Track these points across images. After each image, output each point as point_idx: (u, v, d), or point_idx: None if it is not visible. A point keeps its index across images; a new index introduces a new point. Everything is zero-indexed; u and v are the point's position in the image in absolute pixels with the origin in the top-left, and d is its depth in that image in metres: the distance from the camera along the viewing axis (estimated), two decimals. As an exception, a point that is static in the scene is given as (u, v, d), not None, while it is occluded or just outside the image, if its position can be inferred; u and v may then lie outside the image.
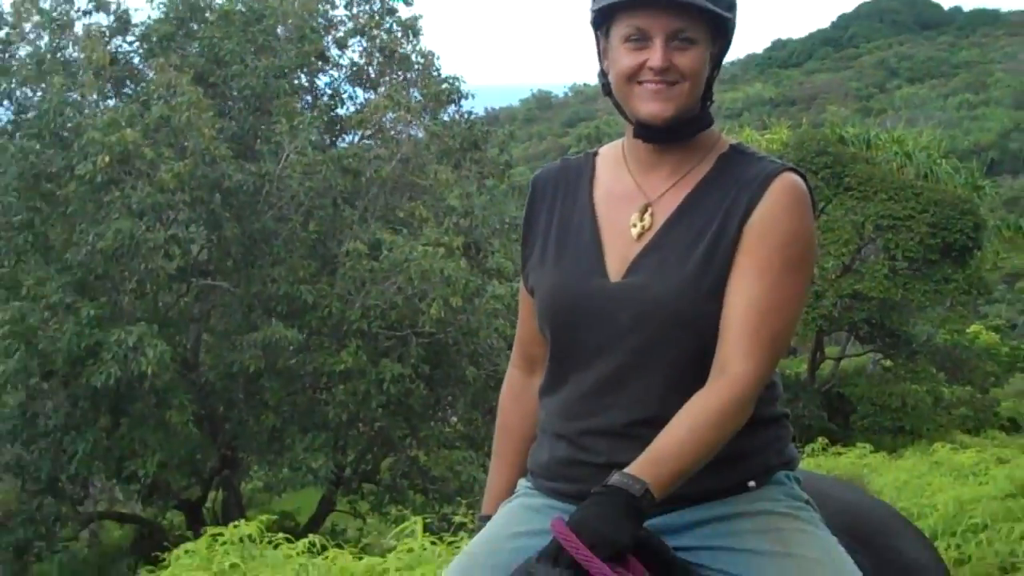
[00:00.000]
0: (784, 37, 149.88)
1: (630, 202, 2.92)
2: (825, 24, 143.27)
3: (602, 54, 2.95)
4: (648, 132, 2.87)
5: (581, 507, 2.54)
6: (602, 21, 2.89)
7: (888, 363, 35.36)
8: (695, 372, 2.75)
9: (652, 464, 2.57)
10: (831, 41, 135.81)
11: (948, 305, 35.70)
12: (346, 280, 20.92)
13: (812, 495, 2.98)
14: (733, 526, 2.81)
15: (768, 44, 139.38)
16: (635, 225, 2.88)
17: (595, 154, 3.09)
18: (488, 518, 3.06)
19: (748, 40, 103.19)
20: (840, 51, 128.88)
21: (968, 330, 40.06)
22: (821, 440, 18.73)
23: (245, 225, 21.16)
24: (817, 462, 15.87)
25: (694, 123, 2.90)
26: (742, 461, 2.85)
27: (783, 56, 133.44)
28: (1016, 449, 18.97)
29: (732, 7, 2.85)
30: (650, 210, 2.88)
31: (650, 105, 2.81)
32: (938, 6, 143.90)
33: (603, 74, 2.96)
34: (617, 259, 2.87)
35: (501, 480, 3.20)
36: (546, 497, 2.96)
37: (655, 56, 2.77)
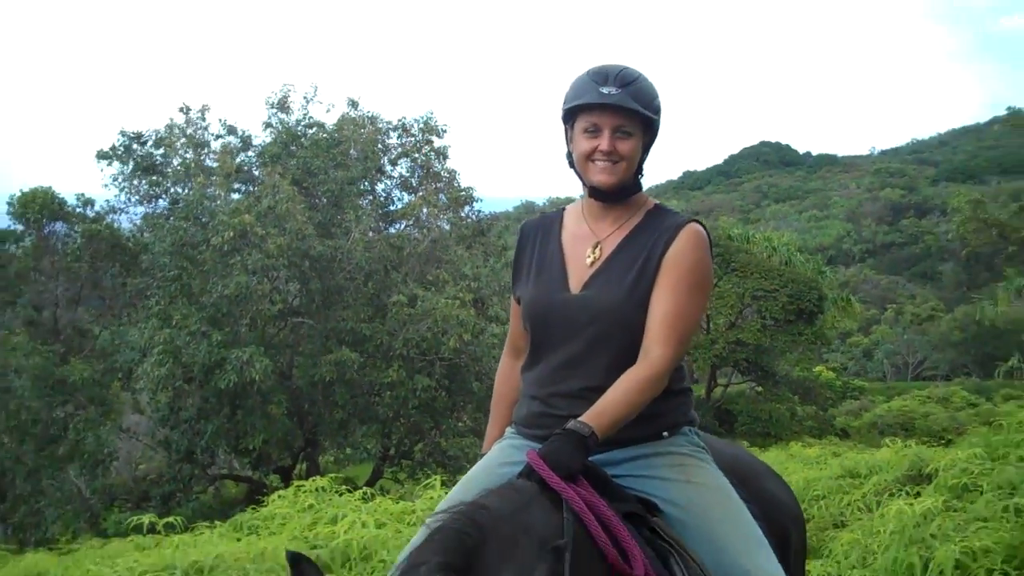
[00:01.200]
0: (691, 169, 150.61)
1: (586, 240, 3.05)
2: (720, 161, 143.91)
3: (568, 140, 3.07)
4: (598, 194, 3.04)
5: (547, 443, 2.66)
6: (569, 118, 3.02)
7: (760, 389, 35.37)
8: (630, 356, 2.84)
9: (597, 416, 2.68)
10: (723, 172, 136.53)
11: (801, 351, 35.83)
12: (392, 321, 21.01)
13: (707, 447, 3.07)
14: (651, 461, 2.91)
15: (680, 173, 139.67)
16: (589, 256, 3.00)
17: (563, 210, 3.20)
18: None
19: (666, 170, 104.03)
20: (729, 179, 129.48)
21: (815, 369, 40.15)
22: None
23: (324, 282, 21.27)
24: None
25: (629, 189, 3.03)
26: (659, 418, 2.94)
27: (691, 181, 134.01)
28: (845, 448, 18.97)
29: (658, 111, 2.98)
30: (600, 246, 3.01)
31: (600, 176, 2.97)
32: (796, 151, 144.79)
33: (569, 154, 3.08)
34: (576, 279, 2.99)
35: (494, 430, 3.26)
36: (524, 440, 3.03)
37: (604, 143, 2.94)
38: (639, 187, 3.07)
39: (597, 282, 2.94)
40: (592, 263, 2.98)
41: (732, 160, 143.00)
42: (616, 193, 2.99)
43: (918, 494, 8.57)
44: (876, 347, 62.43)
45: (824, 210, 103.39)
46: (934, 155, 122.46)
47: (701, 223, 2.98)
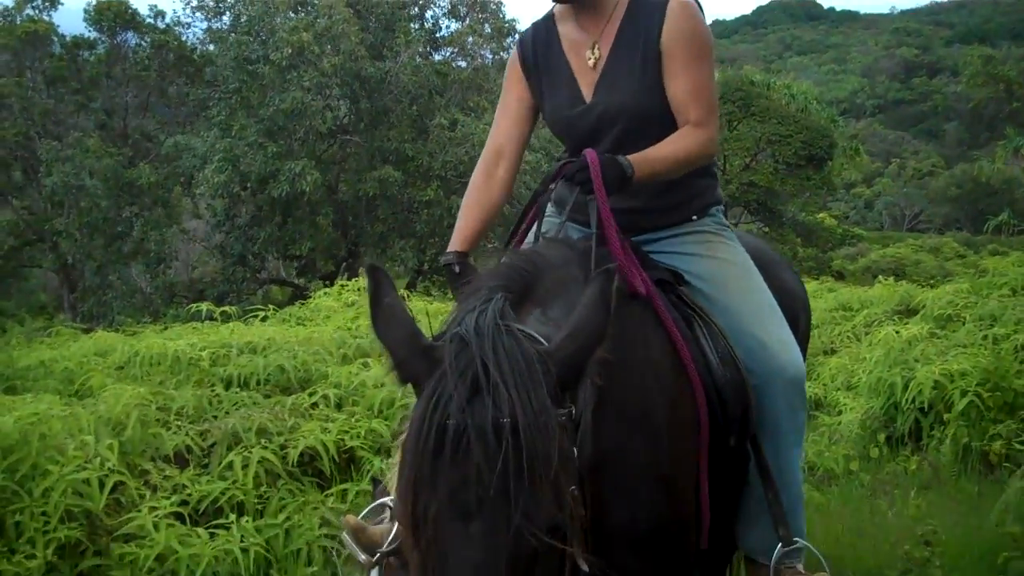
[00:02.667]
0: (720, 17, 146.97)
1: (583, 43, 2.73)
2: (748, 11, 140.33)
3: None
4: None
5: (601, 162, 2.44)
6: None
7: (767, 230, 35.19)
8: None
9: (642, 159, 2.50)
10: (751, 22, 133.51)
11: (808, 196, 35.56)
12: (433, 143, 20.91)
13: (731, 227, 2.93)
14: (681, 240, 2.75)
15: (709, 21, 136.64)
16: (590, 58, 2.71)
17: (552, 15, 2.84)
18: (455, 252, 2.74)
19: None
20: (756, 30, 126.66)
21: (819, 215, 39.91)
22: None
23: (374, 102, 21.09)
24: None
25: None
26: (688, 203, 2.78)
27: (719, 30, 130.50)
28: (840, 286, 19.00)
29: None
30: (596, 45, 2.71)
31: None
32: (820, 5, 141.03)
33: None
34: (586, 86, 2.71)
35: (465, 227, 2.80)
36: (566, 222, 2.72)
37: None
38: None
39: (604, 84, 2.69)
40: (594, 64, 2.71)
41: (760, 11, 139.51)
42: None
43: (906, 323, 8.64)
44: (877, 198, 61.96)
45: (842, 64, 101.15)
46: (951, 17, 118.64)
47: None
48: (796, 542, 2.64)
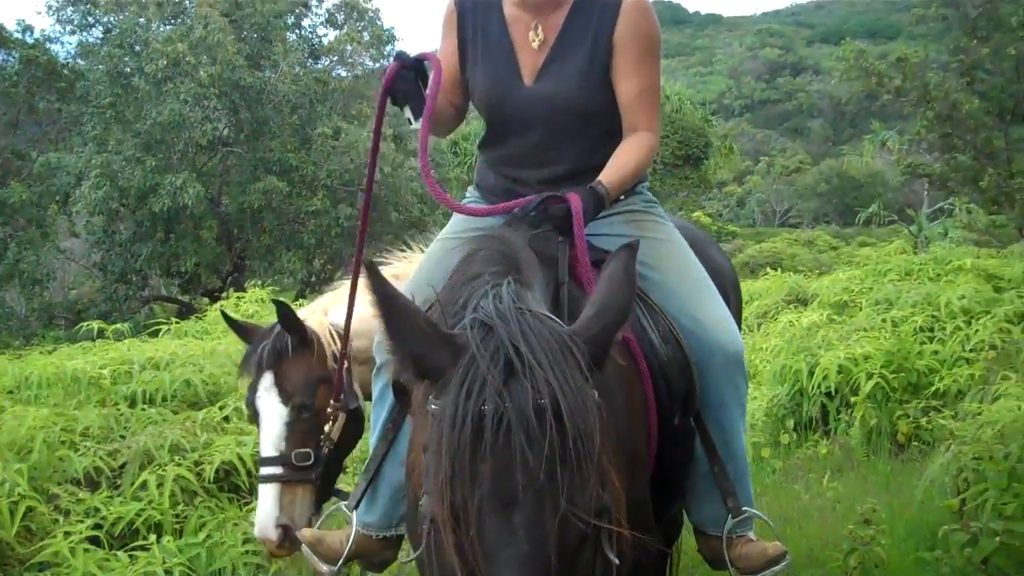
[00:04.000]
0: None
1: (527, 21, 2.63)
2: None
3: None
4: None
5: (582, 197, 2.38)
6: None
7: (648, 225, 35.83)
8: (595, 141, 2.63)
9: (615, 180, 2.49)
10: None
11: (686, 194, 36.24)
12: (317, 152, 20.69)
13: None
14: (610, 220, 2.67)
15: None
16: (534, 40, 2.61)
17: None
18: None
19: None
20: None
21: (694, 213, 40.76)
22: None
23: (253, 112, 20.67)
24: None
25: None
26: None
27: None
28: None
29: None
30: (540, 26, 2.61)
31: None
32: (685, 9, 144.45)
33: None
34: (528, 67, 2.62)
35: None
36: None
37: None
38: None
39: (550, 72, 2.60)
40: (539, 47, 2.62)
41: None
42: None
43: (802, 313, 8.82)
44: (749, 196, 63.65)
45: (709, 66, 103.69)
46: (811, 18, 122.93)
47: None
48: (745, 512, 2.66)
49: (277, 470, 3.06)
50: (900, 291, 7.69)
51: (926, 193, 35.80)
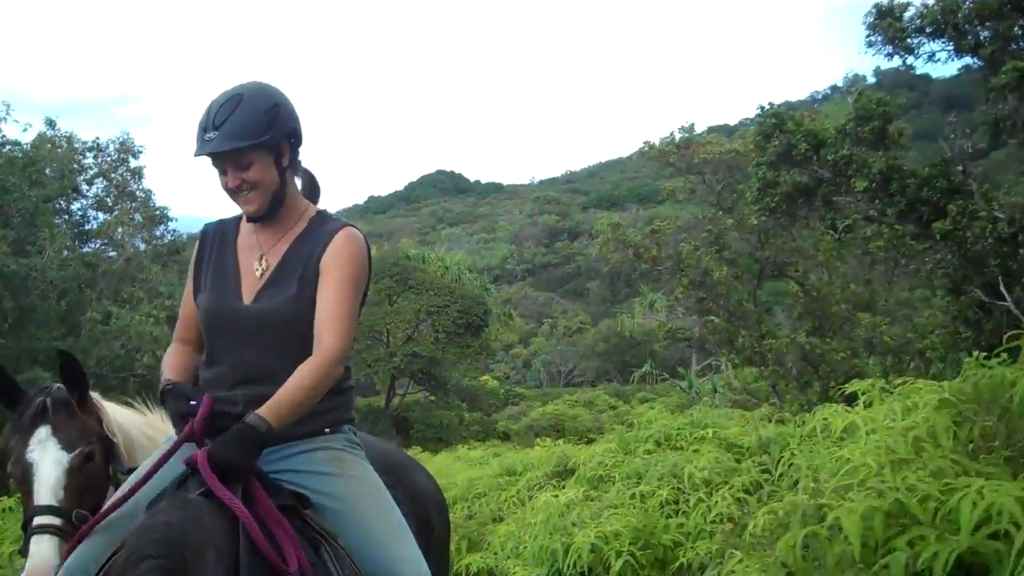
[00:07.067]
0: (375, 194, 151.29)
1: (254, 251, 3.00)
2: (401, 187, 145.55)
3: None
4: (253, 219, 2.97)
5: (219, 442, 2.61)
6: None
7: (433, 397, 36.03)
8: (305, 353, 2.82)
9: (273, 408, 2.66)
10: (404, 198, 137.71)
11: (469, 362, 36.82)
12: (87, 339, 20.02)
13: (363, 445, 3.12)
14: (311, 456, 2.90)
15: (365, 198, 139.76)
16: (257, 268, 2.96)
17: (240, 216, 3.06)
18: (169, 379, 2.94)
19: (351, 195, 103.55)
20: (409, 204, 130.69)
21: (481, 378, 41.30)
22: (394, 443, 18.87)
23: (18, 300, 19.88)
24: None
25: (279, 201, 2.95)
26: (321, 415, 2.93)
27: (375, 206, 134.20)
28: (506, 449, 19.69)
29: (269, 129, 2.84)
30: (264, 258, 2.97)
31: (246, 207, 2.92)
32: (467, 179, 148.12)
33: None
34: (248, 289, 2.94)
35: (171, 369, 3.01)
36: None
37: (229, 181, 2.88)
38: (292, 195, 3.02)
39: (265, 294, 2.90)
40: (261, 275, 2.95)
41: (412, 187, 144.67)
42: (266, 214, 2.94)
43: (563, 487, 9.10)
44: (534, 357, 64.93)
45: (491, 233, 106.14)
46: (584, 184, 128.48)
47: (355, 227, 2.98)
48: None
49: (56, 520, 2.96)
50: (648, 464, 8.04)
51: (693, 352, 37.70)
